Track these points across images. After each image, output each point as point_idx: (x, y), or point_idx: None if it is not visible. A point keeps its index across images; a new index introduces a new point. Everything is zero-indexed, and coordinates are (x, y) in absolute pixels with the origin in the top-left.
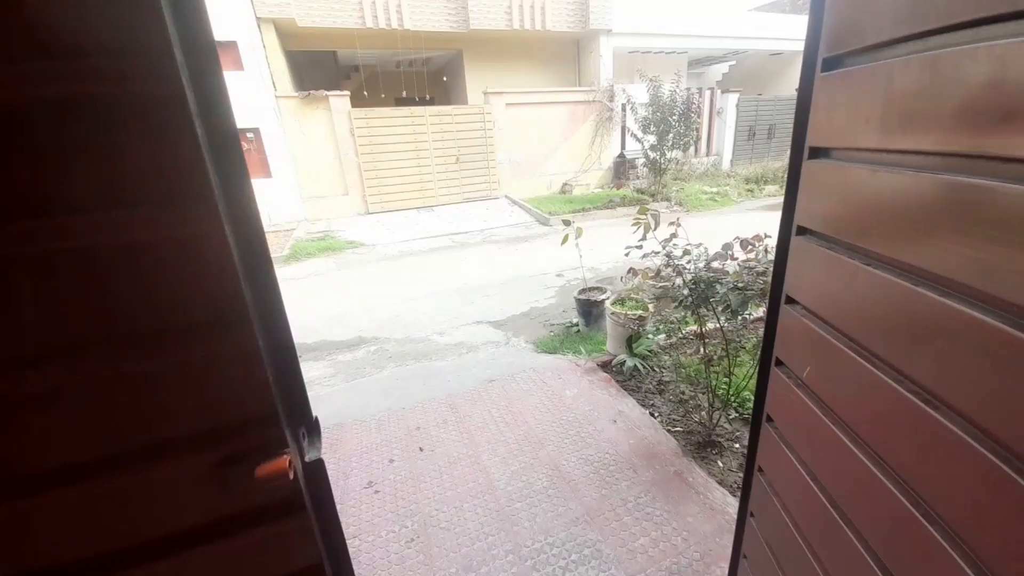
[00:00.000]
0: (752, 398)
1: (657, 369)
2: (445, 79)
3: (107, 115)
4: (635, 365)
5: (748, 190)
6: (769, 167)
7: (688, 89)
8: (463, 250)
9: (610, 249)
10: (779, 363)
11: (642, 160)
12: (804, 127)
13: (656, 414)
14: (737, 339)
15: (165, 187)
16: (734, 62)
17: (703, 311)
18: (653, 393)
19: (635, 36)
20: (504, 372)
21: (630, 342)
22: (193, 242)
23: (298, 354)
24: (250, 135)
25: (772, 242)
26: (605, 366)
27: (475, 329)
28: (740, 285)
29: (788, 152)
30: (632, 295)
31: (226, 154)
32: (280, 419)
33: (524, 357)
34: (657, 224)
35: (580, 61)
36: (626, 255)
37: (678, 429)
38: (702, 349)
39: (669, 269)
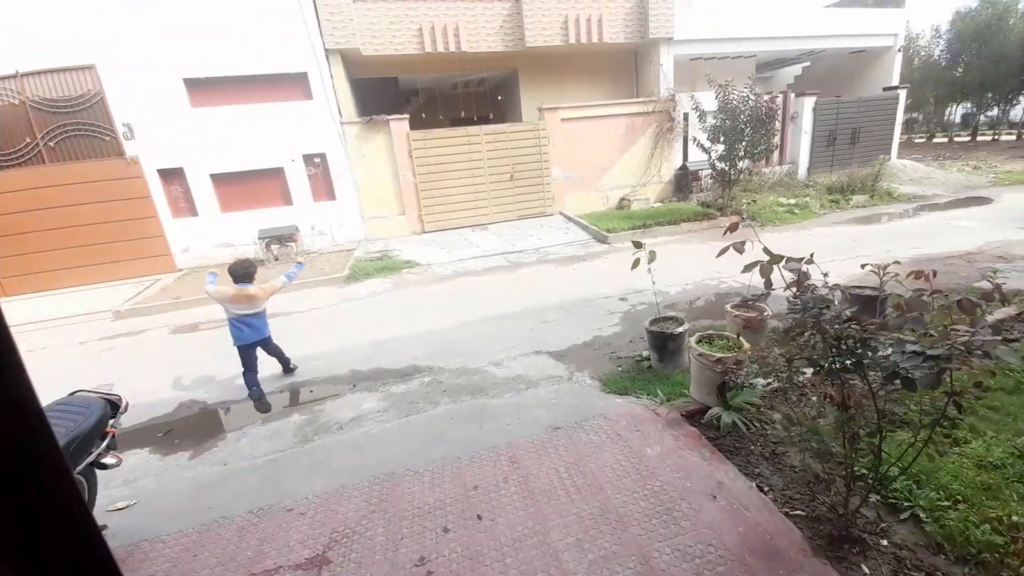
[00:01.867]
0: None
1: (760, 425)
2: (500, 98)
3: None
4: (734, 422)
5: (832, 201)
6: (856, 174)
7: (760, 94)
8: (517, 270)
9: (678, 269)
10: None
11: (707, 171)
12: None
13: (767, 488)
14: (894, 408)
15: None
16: (808, 63)
17: (849, 376)
18: (760, 459)
19: (698, 43)
20: (570, 417)
21: (723, 391)
22: None
23: (352, 384)
24: (316, 160)
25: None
26: (692, 418)
27: (533, 360)
28: (933, 352)
29: (878, 158)
30: (721, 332)
31: None
32: None
33: (591, 398)
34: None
35: (638, 71)
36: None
37: (799, 512)
38: (830, 409)
39: (803, 320)
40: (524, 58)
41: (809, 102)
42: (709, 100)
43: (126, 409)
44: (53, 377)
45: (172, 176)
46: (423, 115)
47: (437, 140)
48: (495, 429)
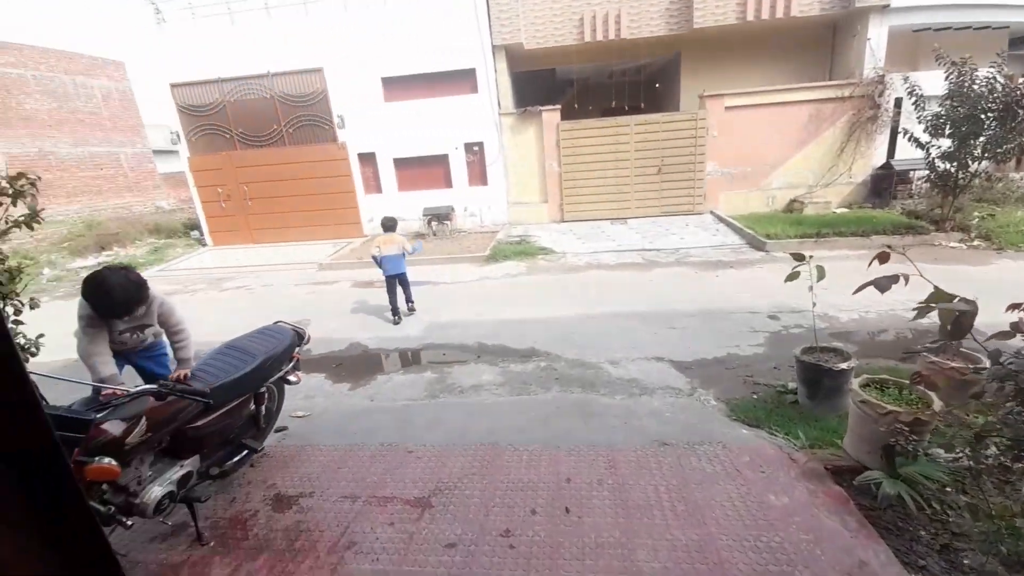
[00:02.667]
0: None
1: (939, 507)
2: (658, 85)
3: None
4: (899, 494)
5: None
6: None
7: (1013, 75)
8: (652, 269)
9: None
10: None
11: (922, 173)
12: None
13: None
14: None
15: None
16: None
17: None
18: (929, 549)
19: (927, 10)
20: (682, 436)
21: (891, 453)
22: None
23: (477, 355)
24: (475, 148)
25: None
26: (839, 475)
27: (653, 366)
28: None
29: None
30: (901, 378)
31: None
32: None
33: (712, 421)
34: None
35: (835, 48)
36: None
37: None
38: None
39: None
40: (688, 42)
41: None
42: (933, 82)
43: (308, 341)
44: (269, 308)
45: (367, 159)
46: (575, 105)
47: (585, 131)
48: (599, 428)
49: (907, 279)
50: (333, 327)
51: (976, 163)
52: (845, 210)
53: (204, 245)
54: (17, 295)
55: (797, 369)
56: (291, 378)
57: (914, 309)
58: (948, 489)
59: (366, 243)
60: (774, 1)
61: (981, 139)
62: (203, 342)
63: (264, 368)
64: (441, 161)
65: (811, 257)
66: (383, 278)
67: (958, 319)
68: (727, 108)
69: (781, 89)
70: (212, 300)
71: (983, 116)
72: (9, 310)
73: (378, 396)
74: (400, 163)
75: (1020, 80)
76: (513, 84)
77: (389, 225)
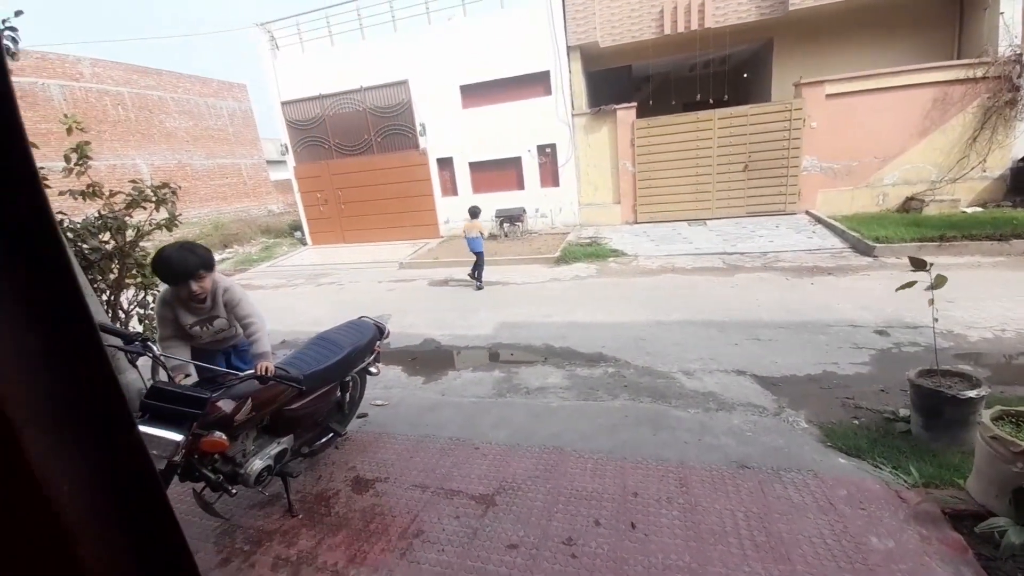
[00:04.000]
0: None
1: None
2: (746, 75)
3: None
4: None
5: None
6: None
7: None
8: (734, 274)
9: (992, 306)
10: None
11: None
12: None
13: None
14: None
15: None
16: None
17: None
18: None
19: None
20: (765, 459)
21: (1022, 498)
22: None
23: (544, 357)
24: (547, 150)
25: None
26: (961, 519)
27: (733, 380)
28: None
29: None
30: None
31: None
32: None
33: (802, 447)
34: None
35: (963, 22)
36: None
37: None
38: None
39: None
40: (783, 25)
41: None
42: None
43: (388, 335)
44: (355, 303)
45: (445, 164)
46: (651, 102)
47: (662, 127)
48: (669, 442)
49: None
50: (410, 322)
51: None
52: (978, 209)
53: (305, 244)
54: (156, 286)
55: (912, 394)
56: (372, 369)
57: None
58: None
59: (443, 243)
60: None
61: None
62: (301, 331)
63: (350, 359)
64: (514, 163)
65: (932, 264)
66: (465, 266)
67: None
68: (828, 96)
69: (898, 71)
70: (310, 294)
71: None
72: (149, 298)
73: (449, 391)
74: (475, 167)
75: None
76: (587, 83)
77: (475, 212)
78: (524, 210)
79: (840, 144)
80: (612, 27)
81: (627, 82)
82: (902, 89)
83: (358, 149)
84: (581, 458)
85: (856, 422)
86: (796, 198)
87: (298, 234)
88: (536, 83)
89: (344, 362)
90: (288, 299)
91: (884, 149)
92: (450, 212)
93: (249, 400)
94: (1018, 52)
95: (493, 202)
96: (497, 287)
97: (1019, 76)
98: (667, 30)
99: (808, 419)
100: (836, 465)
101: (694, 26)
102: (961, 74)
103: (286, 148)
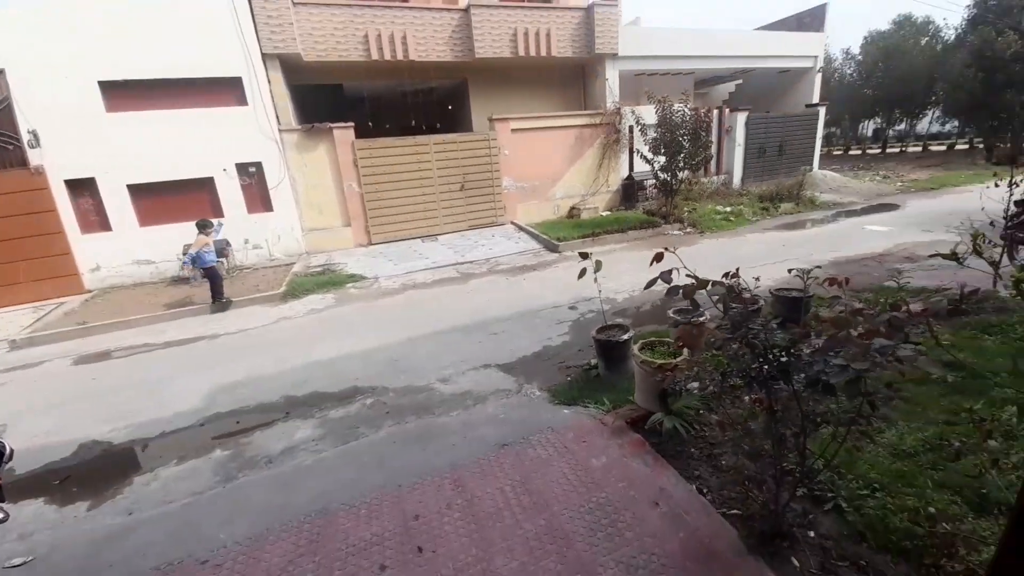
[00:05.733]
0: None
1: (699, 428)
2: (450, 107)
3: None
4: (675, 427)
5: (763, 208)
6: (783, 184)
7: (696, 109)
8: (468, 281)
9: (625, 276)
10: None
11: (651, 181)
12: None
13: (705, 490)
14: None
15: None
16: (740, 81)
17: (777, 384)
18: (699, 461)
19: (641, 59)
20: (518, 432)
21: (665, 397)
22: None
23: (285, 411)
24: (251, 169)
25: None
26: (636, 424)
27: (483, 374)
28: (857, 366)
29: (801, 169)
30: (663, 338)
31: None
32: None
33: (540, 411)
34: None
35: (586, 84)
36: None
37: (735, 512)
38: (760, 412)
39: (733, 340)
40: (474, 69)
41: (742, 117)
42: (651, 114)
43: (11, 457)
44: None
45: (82, 187)
46: (370, 124)
47: (384, 149)
48: (440, 450)
49: (669, 276)
50: (48, 427)
51: (681, 172)
52: (608, 213)
53: None
54: None
55: (595, 347)
56: None
57: (668, 292)
58: (702, 412)
59: (93, 299)
60: (538, 42)
61: (682, 155)
62: None
63: None
64: (204, 185)
65: (592, 254)
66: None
67: (687, 288)
68: (513, 130)
69: (551, 115)
70: None
71: (681, 138)
72: None
73: (141, 504)
74: (141, 190)
75: (701, 111)
76: (294, 97)
77: (204, 225)
78: (228, 242)
79: (526, 168)
80: (315, 42)
81: (340, 101)
82: (558, 129)
83: None
84: (352, 509)
85: (568, 379)
86: (503, 211)
87: None
88: (225, 90)
89: None
90: None
91: (552, 172)
92: (102, 255)
93: None
94: (618, 106)
95: (177, 235)
96: (200, 344)
97: (619, 123)
98: (374, 55)
99: (539, 387)
100: (563, 416)
101: (399, 56)
102: (589, 120)
103: None
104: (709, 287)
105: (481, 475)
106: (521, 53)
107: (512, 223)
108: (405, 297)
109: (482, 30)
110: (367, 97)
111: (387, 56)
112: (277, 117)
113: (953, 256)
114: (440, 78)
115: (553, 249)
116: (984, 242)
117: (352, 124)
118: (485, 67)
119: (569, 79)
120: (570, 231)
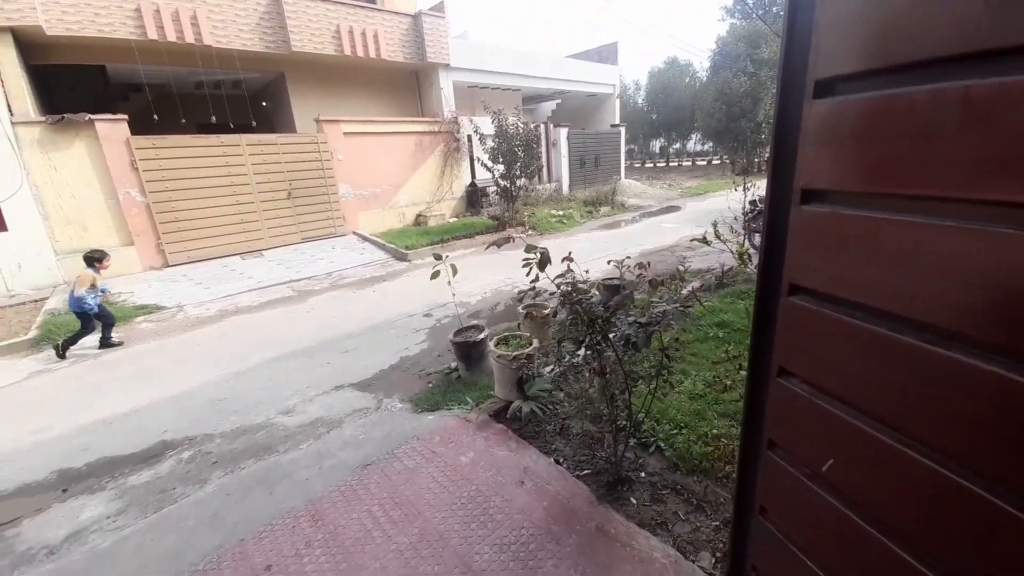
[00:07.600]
0: (649, 420)
1: (553, 406)
2: (265, 104)
3: None
4: (532, 410)
5: (588, 211)
6: (600, 191)
7: (527, 123)
8: (307, 299)
9: (476, 279)
10: (772, 445)
11: (494, 188)
12: (790, 165)
13: (561, 459)
14: (633, 367)
15: None
16: (560, 100)
17: (602, 347)
18: (555, 436)
19: (472, 72)
20: (382, 449)
21: (521, 384)
22: None
23: (62, 488)
24: None
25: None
26: (499, 415)
27: (335, 397)
28: (643, 321)
29: (612, 178)
30: (515, 332)
31: None
32: None
33: (403, 422)
34: (547, 263)
35: (421, 92)
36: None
37: (587, 472)
38: (595, 379)
39: (564, 309)
40: (293, 63)
41: (564, 132)
42: (487, 124)
43: None
44: None
45: None
46: (155, 117)
47: (177, 149)
48: (290, 490)
49: (503, 243)
50: None
51: (519, 180)
52: (455, 219)
53: None
54: None
55: (454, 350)
56: None
57: (526, 265)
58: (554, 392)
59: None
60: (366, 42)
61: (518, 164)
62: None
63: None
64: None
65: (446, 258)
66: None
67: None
68: (346, 133)
69: (389, 120)
70: None
71: (516, 148)
72: None
73: None
74: None
75: (532, 125)
76: (33, 80)
77: (93, 258)
78: None
79: (364, 174)
80: (64, 12)
81: (103, 87)
82: (396, 135)
83: None
84: None
85: (430, 385)
86: (342, 221)
87: None
88: None
89: None
90: None
91: (395, 179)
92: None
93: None
94: (454, 116)
95: None
96: None
97: (457, 132)
98: (152, 34)
99: (401, 399)
100: (427, 423)
101: (190, 39)
102: (428, 128)
103: None
104: (553, 279)
105: (344, 502)
106: (347, 52)
107: (355, 233)
108: (225, 326)
109: (298, 21)
110: (145, 85)
111: (171, 37)
112: (9, 107)
113: (704, 240)
114: (250, 70)
115: (402, 258)
116: (731, 231)
117: (126, 117)
118: (307, 63)
119: (403, 86)
120: (418, 238)
